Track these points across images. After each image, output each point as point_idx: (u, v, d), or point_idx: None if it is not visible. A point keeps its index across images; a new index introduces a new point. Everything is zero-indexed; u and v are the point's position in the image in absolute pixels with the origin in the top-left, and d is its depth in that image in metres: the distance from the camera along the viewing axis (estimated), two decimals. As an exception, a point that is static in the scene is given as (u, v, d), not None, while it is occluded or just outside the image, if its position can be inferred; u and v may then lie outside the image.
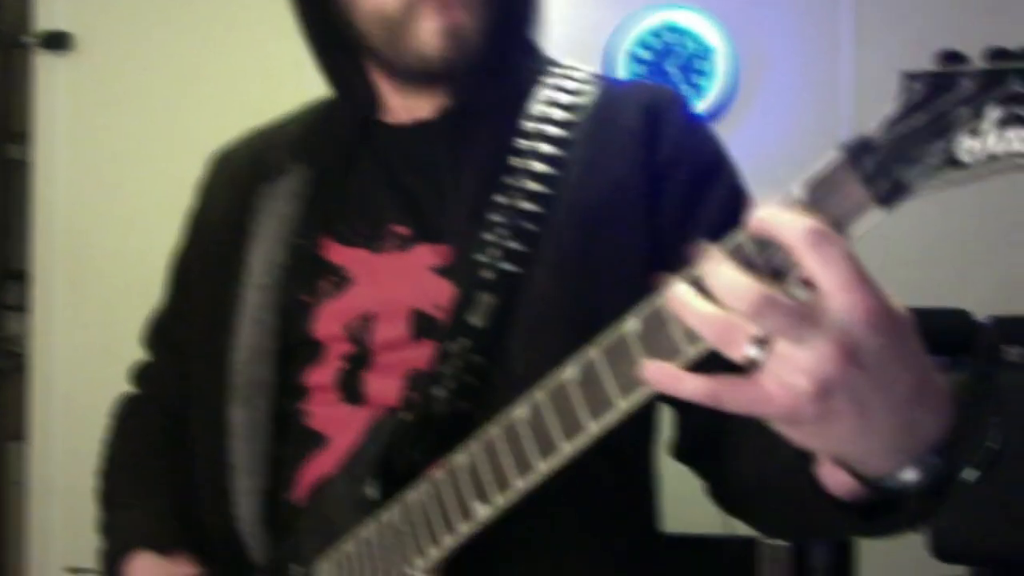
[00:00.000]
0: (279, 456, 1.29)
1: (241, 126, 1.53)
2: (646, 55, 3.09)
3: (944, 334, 2.52)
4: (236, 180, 1.41)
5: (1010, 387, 2.29)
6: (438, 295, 1.22)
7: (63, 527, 3.25)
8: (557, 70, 1.35)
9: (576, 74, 1.35)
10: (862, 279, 0.75)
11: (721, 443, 1.17)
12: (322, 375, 1.28)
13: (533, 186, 1.24)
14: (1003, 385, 2.30)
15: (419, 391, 1.19)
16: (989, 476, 1.88)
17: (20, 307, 3.51)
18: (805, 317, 0.75)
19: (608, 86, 1.35)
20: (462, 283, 1.21)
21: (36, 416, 3.31)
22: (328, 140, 1.38)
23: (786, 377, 0.77)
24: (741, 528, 2.61)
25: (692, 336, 0.84)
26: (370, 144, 1.35)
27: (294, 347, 1.30)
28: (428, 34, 1.23)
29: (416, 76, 1.30)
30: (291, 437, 1.29)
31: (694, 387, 0.82)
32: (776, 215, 0.77)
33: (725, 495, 1.22)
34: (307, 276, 1.30)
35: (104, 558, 1.40)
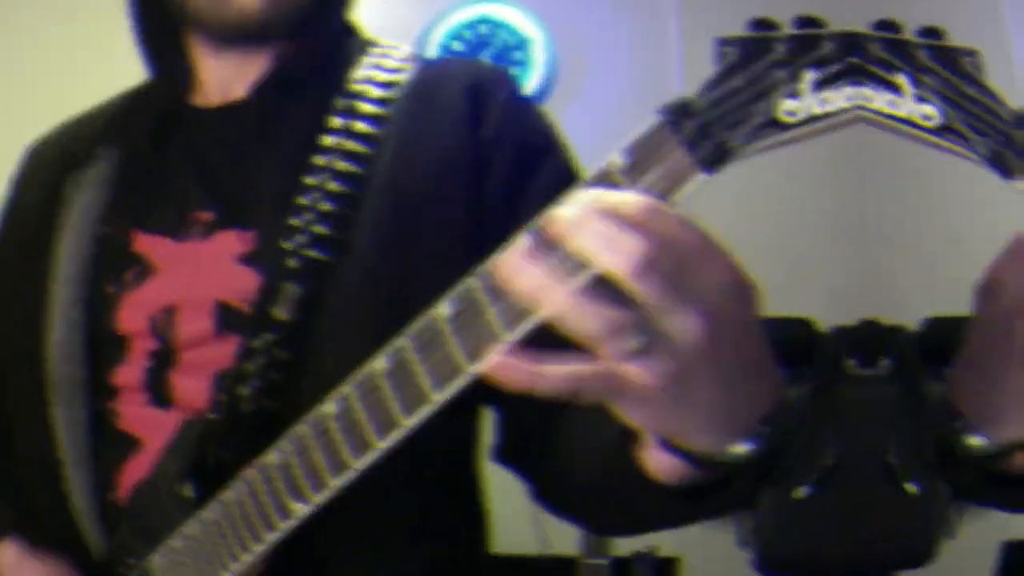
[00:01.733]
0: (100, 456, 1.28)
1: (54, 118, 1.52)
2: (459, 47, 3.16)
3: (786, 344, 2.68)
4: (46, 170, 1.42)
5: (849, 400, 2.36)
6: (243, 286, 1.21)
7: None
8: (376, 49, 1.36)
9: (395, 52, 1.36)
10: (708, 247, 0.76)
11: (546, 439, 1.18)
12: (129, 374, 1.26)
13: (346, 167, 1.25)
14: (843, 398, 2.37)
15: (226, 392, 1.20)
16: (824, 491, 1.94)
17: None
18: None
19: (430, 64, 1.37)
20: (267, 272, 1.21)
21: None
22: (137, 124, 1.37)
23: (652, 358, 0.76)
24: (559, 548, 2.72)
25: (510, 320, 0.81)
26: (180, 128, 1.35)
27: (101, 343, 1.29)
28: None
29: (234, 36, 1.30)
30: (107, 438, 1.28)
31: (557, 381, 0.77)
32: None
33: (553, 493, 1.22)
34: (113, 267, 1.29)
35: None
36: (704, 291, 0.75)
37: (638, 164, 0.77)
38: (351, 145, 1.26)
